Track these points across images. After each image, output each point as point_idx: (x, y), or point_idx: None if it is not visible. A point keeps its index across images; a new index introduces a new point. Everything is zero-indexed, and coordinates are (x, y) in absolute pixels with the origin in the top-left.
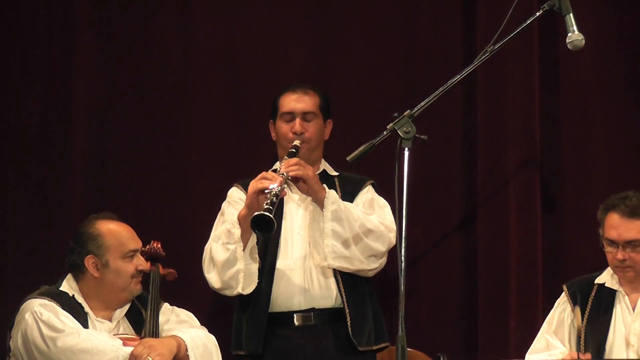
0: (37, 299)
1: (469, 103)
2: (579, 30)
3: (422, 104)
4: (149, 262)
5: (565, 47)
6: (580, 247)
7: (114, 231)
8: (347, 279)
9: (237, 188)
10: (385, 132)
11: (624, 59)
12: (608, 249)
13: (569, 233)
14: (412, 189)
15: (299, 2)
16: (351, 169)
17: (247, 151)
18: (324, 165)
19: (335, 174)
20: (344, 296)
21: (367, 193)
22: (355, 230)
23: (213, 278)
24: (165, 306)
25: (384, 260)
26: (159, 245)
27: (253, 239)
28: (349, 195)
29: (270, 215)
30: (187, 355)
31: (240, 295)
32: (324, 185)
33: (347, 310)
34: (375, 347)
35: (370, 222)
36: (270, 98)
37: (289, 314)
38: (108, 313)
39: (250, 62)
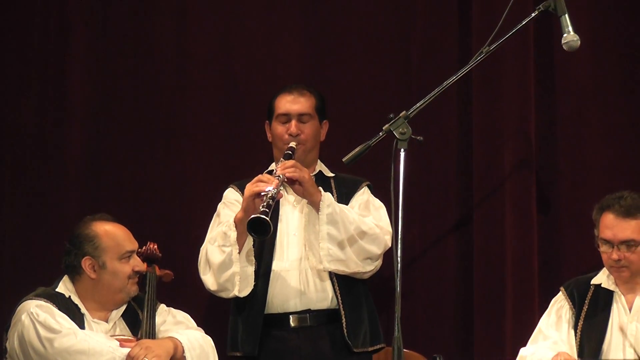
0: (33, 300)
1: (465, 104)
2: (575, 31)
3: (418, 105)
4: (145, 263)
5: (561, 48)
6: (576, 248)
7: (110, 232)
8: (342, 281)
9: (232, 189)
10: (381, 133)
11: (620, 60)
12: (603, 249)
13: (564, 234)
14: (408, 190)
15: (294, 2)
16: (347, 170)
17: (243, 152)
18: (320, 167)
19: (331, 175)
20: (340, 298)
21: (363, 194)
22: (350, 233)
23: (209, 280)
24: (162, 307)
25: (379, 262)
26: (156, 247)
27: (249, 241)
28: (344, 196)
29: (267, 218)
30: (184, 357)
31: (236, 297)
32: (320, 188)
33: (342, 312)
34: (370, 349)
35: (365, 225)
36: (266, 99)
37: (285, 316)
38: (104, 314)
39: (245, 63)
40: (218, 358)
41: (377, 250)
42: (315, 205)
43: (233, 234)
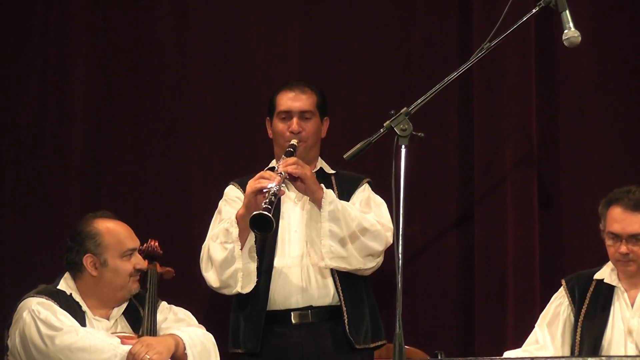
0: (34, 298)
1: (466, 100)
2: (575, 27)
3: (419, 101)
4: (146, 261)
5: (562, 44)
6: (578, 244)
7: (112, 230)
8: (344, 277)
9: (233, 186)
10: (382, 130)
11: (621, 56)
12: (610, 243)
13: (566, 230)
14: (409, 186)
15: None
16: (348, 167)
17: (244, 149)
18: (321, 164)
19: (332, 172)
20: (341, 294)
21: (364, 191)
22: (352, 229)
23: (211, 277)
24: (163, 304)
25: (381, 259)
26: (157, 244)
27: (251, 238)
28: (345, 193)
29: (269, 215)
30: (185, 354)
31: (237, 294)
32: (322, 185)
33: (344, 308)
34: (372, 345)
35: (367, 221)
36: (267, 96)
37: (287, 312)
38: (106, 311)
39: (246, 60)
40: (219, 355)
41: (379, 246)
42: (317, 202)
43: (235, 231)
